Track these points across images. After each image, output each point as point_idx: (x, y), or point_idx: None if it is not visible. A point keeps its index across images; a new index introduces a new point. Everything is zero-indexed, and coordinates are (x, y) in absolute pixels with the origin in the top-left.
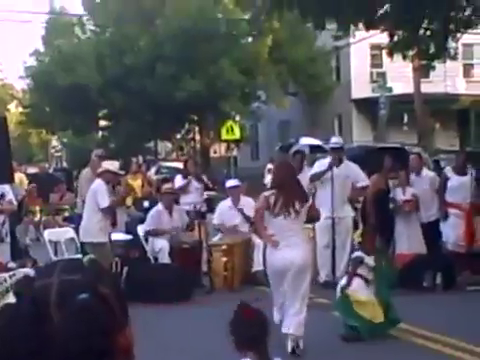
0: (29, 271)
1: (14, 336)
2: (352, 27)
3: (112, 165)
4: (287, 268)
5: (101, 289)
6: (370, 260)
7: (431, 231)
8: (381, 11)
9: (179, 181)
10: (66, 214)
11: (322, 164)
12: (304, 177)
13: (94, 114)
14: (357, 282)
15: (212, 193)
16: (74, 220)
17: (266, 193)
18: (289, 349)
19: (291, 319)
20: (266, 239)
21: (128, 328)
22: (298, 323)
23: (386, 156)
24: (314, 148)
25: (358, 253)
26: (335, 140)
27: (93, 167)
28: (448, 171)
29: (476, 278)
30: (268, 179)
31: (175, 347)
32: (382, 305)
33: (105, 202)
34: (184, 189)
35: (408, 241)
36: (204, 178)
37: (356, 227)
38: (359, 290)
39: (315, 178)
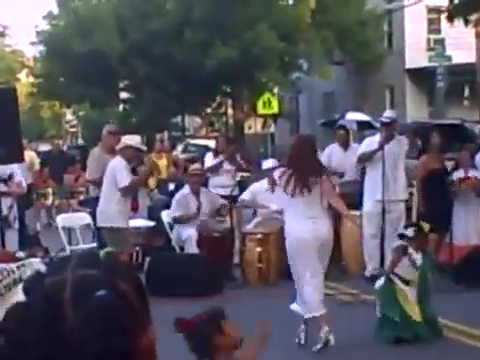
0: (40, 266)
1: (26, 338)
2: None
3: (132, 140)
4: (310, 243)
5: (120, 285)
6: (417, 255)
7: None
8: None
9: (209, 160)
10: (81, 197)
11: (372, 142)
12: (350, 155)
13: (114, 85)
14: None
15: (246, 175)
16: (90, 204)
17: (276, 172)
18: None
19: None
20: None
21: (150, 327)
22: (319, 302)
23: (434, 133)
24: (362, 124)
25: (401, 242)
26: (387, 114)
27: (104, 144)
28: None
29: None
30: None
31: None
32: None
33: (125, 180)
34: (214, 170)
35: (466, 230)
36: (237, 158)
37: (408, 215)
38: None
39: (364, 158)
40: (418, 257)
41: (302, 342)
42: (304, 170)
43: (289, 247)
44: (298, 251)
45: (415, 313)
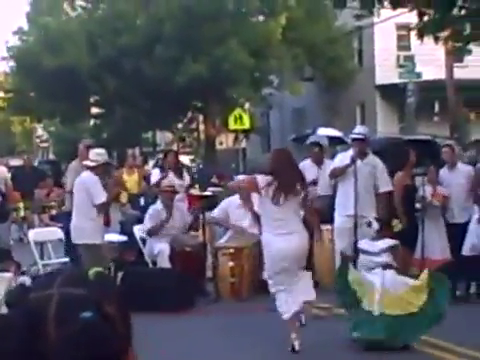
0: (25, 279)
1: (4, 350)
2: (377, 5)
3: (100, 155)
4: (286, 255)
5: (106, 307)
6: (370, 246)
7: (459, 233)
8: None
9: (156, 175)
10: (53, 212)
11: (345, 157)
12: (324, 171)
13: (85, 100)
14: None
15: (218, 189)
16: (62, 219)
17: (258, 176)
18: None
19: (297, 293)
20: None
21: (131, 349)
22: (307, 289)
23: (410, 150)
24: (333, 140)
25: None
26: (359, 130)
27: (82, 158)
28: None
29: None
30: None
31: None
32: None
33: (101, 197)
34: (159, 185)
35: (438, 245)
36: (185, 174)
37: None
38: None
39: (337, 173)
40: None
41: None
42: (288, 181)
43: (267, 256)
44: (276, 261)
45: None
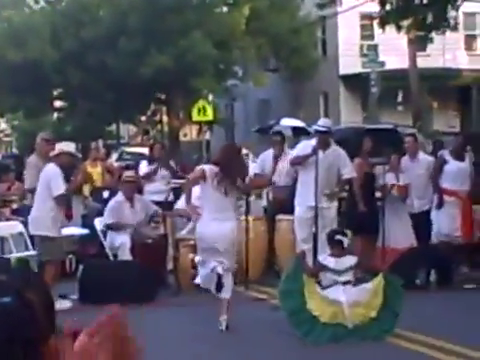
0: None
1: None
2: None
3: (67, 147)
4: (217, 240)
5: (27, 294)
6: (335, 264)
7: (424, 222)
8: None
9: (144, 167)
10: (14, 206)
11: (306, 146)
12: (285, 161)
13: (48, 94)
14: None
15: (181, 181)
16: (23, 212)
17: (205, 166)
18: (224, 327)
19: (227, 285)
20: (190, 209)
21: (53, 337)
22: (227, 285)
23: (365, 137)
24: (297, 130)
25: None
26: (322, 122)
27: (40, 151)
28: (445, 154)
29: (474, 274)
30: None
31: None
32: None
33: (59, 189)
34: (150, 177)
35: (400, 234)
36: (172, 164)
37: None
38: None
39: (297, 162)
40: (339, 265)
41: (223, 328)
42: (231, 173)
43: (200, 238)
44: (207, 242)
45: (323, 312)
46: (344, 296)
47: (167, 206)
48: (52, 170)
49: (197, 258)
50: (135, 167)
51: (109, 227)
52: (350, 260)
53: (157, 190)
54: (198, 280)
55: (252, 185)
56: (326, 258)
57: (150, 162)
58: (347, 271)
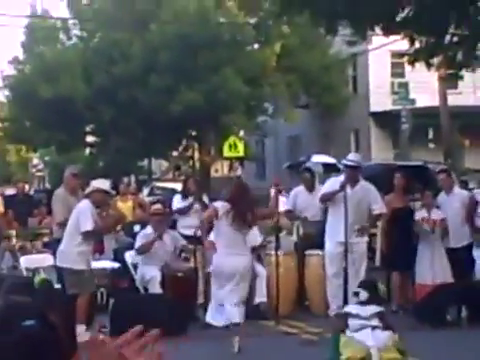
0: None
1: None
2: (368, 31)
3: (102, 184)
4: (232, 273)
5: (50, 316)
6: (360, 310)
7: (461, 258)
8: (401, 14)
9: (178, 202)
10: (46, 239)
11: (335, 182)
12: (315, 197)
13: (80, 129)
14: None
15: None
16: (53, 246)
17: (218, 204)
18: (236, 349)
19: (231, 310)
20: (207, 244)
21: (75, 356)
22: (240, 313)
23: (398, 174)
24: (328, 167)
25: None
26: (351, 157)
27: (67, 185)
28: (478, 194)
29: None
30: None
31: None
32: None
33: (88, 225)
34: (185, 212)
35: (432, 270)
36: (205, 199)
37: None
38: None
39: (325, 198)
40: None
41: (235, 350)
42: (243, 210)
43: (216, 272)
44: (218, 277)
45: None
46: (373, 340)
47: (197, 240)
48: (84, 206)
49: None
50: (167, 202)
51: (139, 249)
52: (374, 308)
53: (190, 224)
54: (210, 319)
55: (258, 216)
56: (349, 306)
57: (183, 196)
58: (371, 318)
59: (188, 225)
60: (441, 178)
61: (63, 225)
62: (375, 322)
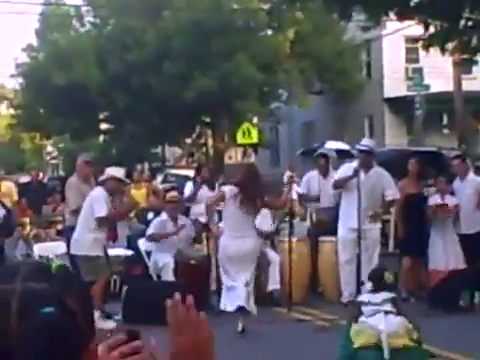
0: None
1: None
2: (382, 16)
3: (117, 172)
4: (238, 255)
5: (69, 302)
6: (371, 298)
7: (474, 244)
8: None
9: (189, 189)
10: (59, 227)
11: (348, 168)
12: (329, 183)
13: (94, 116)
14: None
15: None
16: (67, 233)
17: (226, 189)
18: (240, 328)
19: (239, 293)
20: (214, 229)
21: (93, 343)
22: (246, 295)
23: (412, 160)
24: (342, 153)
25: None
26: (365, 142)
27: (79, 173)
28: None
29: None
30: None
31: None
32: None
33: (102, 211)
34: (193, 198)
35: (445, 256)
36: (217, 186)
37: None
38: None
39: (339, 184)
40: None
41: (239, 329)
42: (251, 194)
43: (223, 255)
44: (226, 260)
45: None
46: (384, 325)
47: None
48: (98, 193)
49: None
50: (181, 189)
51: (151, 238)
52: (386, 295)
53: (202, 212)
54: (223, 306)
55: (269, 205)
56: (361, 295)
57: (195, 184)
58: (385, 302)
59: (201, 212)
60: (456, 164)
61: (76, 213)
62: (388, 307)
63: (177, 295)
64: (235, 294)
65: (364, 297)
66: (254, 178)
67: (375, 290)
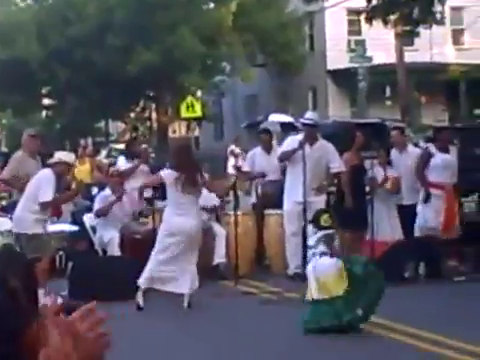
0: None
1: None
2: None
3: (67, 156)
4: (177, 232)
5: (11, 282)
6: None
7: (412, 214)
8: None
9: (123, 164)
10: (3, 203)
11: (293, 141)
12: (273, 158)
13: (36, 91)
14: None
15: None
16: (11, 209)
17: (163, 174)
18: (186, 304)
19: (187, 279)
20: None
21: (36, 322)
22: (193, 278)
23: (357, 132)
24: (286, 126)
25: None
26: (309, 115)
27: (26, 147)
28: (431, 148)
29: (463, 267)
30: (232, 162)
31: (128, 347)
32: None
33: (47, 196)
34: (129, 174)
35: (388, 227)
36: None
37: None
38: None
39: (284, 157)
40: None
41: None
42: (189, 174)
43: (163, 231)
44: (166, 237)
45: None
46: (312, 269)
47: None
48: (46, 176)
49: (157, 252)
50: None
51: (98, 212)
52: (319, 234)
53: (137, 186)
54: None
55: (211, 188)
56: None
57: (128, 158)
58: (319, 242)
59: (135, 187)
60: (393, 135)
61: (5, 182)
62: (322, 248)
63: (92, 304)
64: (175, 280)
65: (309, 241)
66: (188, 158)
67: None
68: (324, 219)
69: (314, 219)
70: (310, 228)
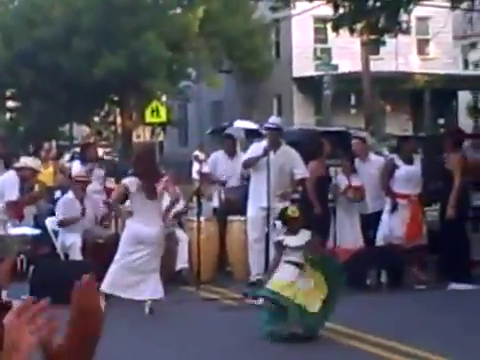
0: None
1: None
2: None
3: (33, 162)
4: (143, 240)
5: None
6: (293, 241)
7: (374, 223)
8: None
9: (77, 168)
10: None
11: (258, 148)
12: (236, 163)
13: (0, 94)
14: (285, 268)
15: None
16: None
17: (127, 181)
18: (147, 310)
19: (150, 285)
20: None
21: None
22: (156, 286)
23: (324, 141)
24: (250, 132)
25: (279, 237)
26: (272, 120)
27: None
28: (395, 159)
29: (425, 276)
30: (196, 168)
31: None
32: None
33: (13, 195)
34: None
35: (352, 234)
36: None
37: None
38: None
39: (248, 164)
40: (294, 242)
41: (147, 310)
42: (151, 180)
43: (128, 238)
44: (128, 243)
45: (305, 301)
46: (298, 279)
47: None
48: (12, 178)
49: (117, 260)
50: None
51: (61, 224)
52: (304, 235)
53: (94, 190)
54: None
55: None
56: (285, 238)
57: (82, 162)
58: (299, 250)
59: (93, 190)
60: (355, 144)
61: None
62: (298, 258)
63: (85, 276)
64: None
65: (289, 240)
66: (149, 162)
67: (293, 232)
68: (292, 210)
69: (281, 214)
70: (277, 227)
